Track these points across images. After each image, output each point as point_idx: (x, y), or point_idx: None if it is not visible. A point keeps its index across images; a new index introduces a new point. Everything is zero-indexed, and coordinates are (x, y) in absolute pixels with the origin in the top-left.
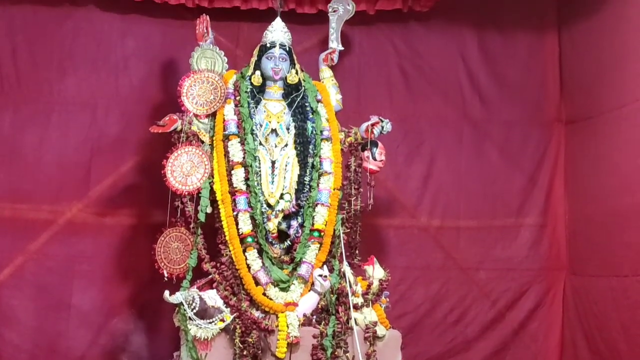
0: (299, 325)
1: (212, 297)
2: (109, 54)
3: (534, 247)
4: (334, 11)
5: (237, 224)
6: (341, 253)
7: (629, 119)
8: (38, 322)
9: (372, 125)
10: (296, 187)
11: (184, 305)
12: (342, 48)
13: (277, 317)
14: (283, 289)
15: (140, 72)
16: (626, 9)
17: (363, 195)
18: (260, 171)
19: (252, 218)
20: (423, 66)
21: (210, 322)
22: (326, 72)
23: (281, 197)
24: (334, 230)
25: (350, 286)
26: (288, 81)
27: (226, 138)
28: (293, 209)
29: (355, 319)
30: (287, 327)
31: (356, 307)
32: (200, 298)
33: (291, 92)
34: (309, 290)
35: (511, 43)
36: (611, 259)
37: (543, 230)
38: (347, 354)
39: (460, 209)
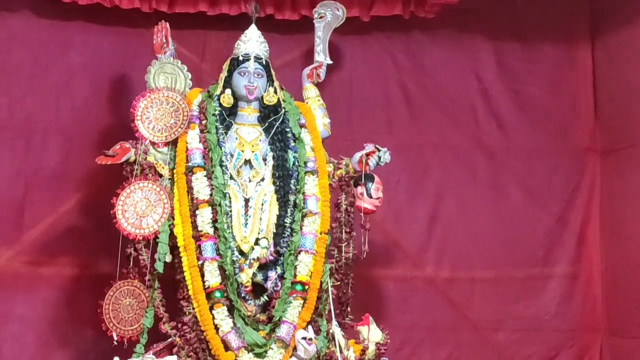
0: None
1: None
2: (48, 70)
3: (564, 302)
4: (321, 17)
5: (202, 275)
6: (329, 311)
7: None
8: None
9: (367, 155)
10: (275, 231)
11: None
12: (331, 62)
13: None
14: (258, 355)
15: (85, 91)
16: None
17: (356, 240)
18: (230, 211)
19: (221, 268)
20: (428, 84)
21: None
22: (311, 91)
23: (256, 242)
24: (321, 282)
25: (341, 351)
26: (265, 102)
27: (190, 171)
28: (271, 257)
29: None
30: None
31: None
32: None
33: (269, 114)
34: (290, 357)
35: (535, 57)
36: None
37: (575, 282)
38: None
39: (474, 257)
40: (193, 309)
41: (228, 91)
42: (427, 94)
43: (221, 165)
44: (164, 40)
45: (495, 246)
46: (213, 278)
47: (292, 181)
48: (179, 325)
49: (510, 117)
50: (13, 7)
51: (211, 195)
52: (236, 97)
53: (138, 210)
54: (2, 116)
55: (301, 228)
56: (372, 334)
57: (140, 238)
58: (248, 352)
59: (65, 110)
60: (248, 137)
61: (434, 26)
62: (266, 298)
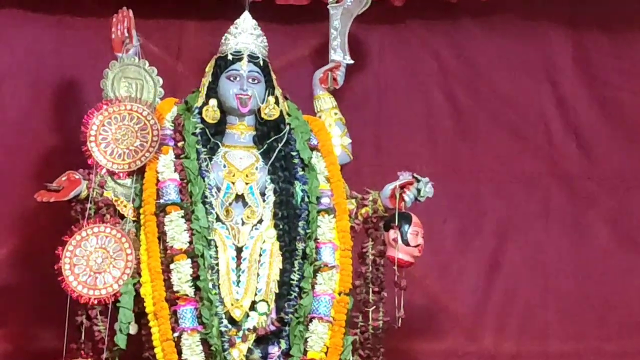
0: None
1: None
2: None
3: None
4: (338, 1)
5: (179, 352)
6: None
7: None
8: None
9: (402, 187)
10: (277, 291)
11: None
12: (352, 61)
13: None
14: None
15: (20, 101)
16: None
17: (388, 303)
18: (217, 265)
19: (205, 342)
20: (483, 90)
21: None
22: (326, 101)
23: (252, 307)
24: None
25: None
26: (263, 116)
27: (162, 210)
28: (272, 327)
29: None
30: None
31: None
32: None
33: (268, 133)
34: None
35: (627, 53)
36: None
37: None
38: None
39: (549, 324)
40: None
41: (213, 102)
42: (482, 104)
43: (204, 203)
44: (126, 34)
45: (578, 308)
46: (194, 356)
47: (301, 223)
48: None
49: (595, 134)
50: None
51: (191, 243)
52: (224, 110)
53: (92, 264)
54: None
55: (313, 287)
56: None
57: (95, 302)
58: None
59: None
60: (240, 164)
61: (490, 11)
62: None
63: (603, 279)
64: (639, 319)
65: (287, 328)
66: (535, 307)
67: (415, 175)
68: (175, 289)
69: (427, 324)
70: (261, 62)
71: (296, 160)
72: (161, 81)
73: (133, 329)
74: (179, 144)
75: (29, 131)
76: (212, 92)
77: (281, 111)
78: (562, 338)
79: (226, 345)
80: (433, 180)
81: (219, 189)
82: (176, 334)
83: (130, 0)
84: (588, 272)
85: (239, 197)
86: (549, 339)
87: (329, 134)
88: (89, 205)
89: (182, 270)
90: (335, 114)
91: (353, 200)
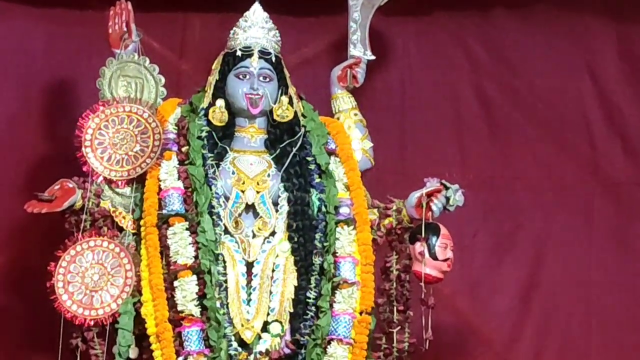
0: None
1: None
2: None
3: None
4: None
5: None
6: None
7: None
8: None
9: (430, 195)
10: (292, 311)
11: None
12: (373, 57)
13: None
14: None
15: (7, 104)
16: None
17: (414, 323)
18: (226, 282)
19: None
20: (518, 88)
21: None
22: (345, 101)
23: (265, 328)
24: None
25: None
26: (275, 117)
27: (164, 222)
28: (287, 350)
29: None
30: None
31: None
32: None
33: (281, 137)
34: None
35: None
36: None
37: None
38: None
39: (592, 349)
40: None
41: (220, 102)
42: (517, 104)
43: (211, 214)
44: (125, 29)
45: (624, 331)
46: None
47: (318, 235)
48: None
49: None
50: None
51: (196, 257)
52: (232, 112)
53: (88, 281)
54: None
55: (331, 306)
56: None
57: (92, 323)
58: None
59: None
60: (251, 170)
61: (526, 1)
62: None
63: None
64: None
65: (303, 351)
66: (576, 330)
67: (443, 182)
68: (179, 308)
69: (456, 347)
70: (273, 59)
71: (312, 166)
72: (163, 80)
73: (133, 353)
74: (183, 149)
75: (18, 135)
76: (220, 91)
77: (295, 112)
78: (606, 358)
79: None
80: (463, 187)
81: (227, 199)
82: (181, 358)
83: None
84: (635, 290)
85: (250, 207)
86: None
87: (349, 137)
88: (84, 217)
89: (187, 288)
90: (355, 115)
91: (375, 210)
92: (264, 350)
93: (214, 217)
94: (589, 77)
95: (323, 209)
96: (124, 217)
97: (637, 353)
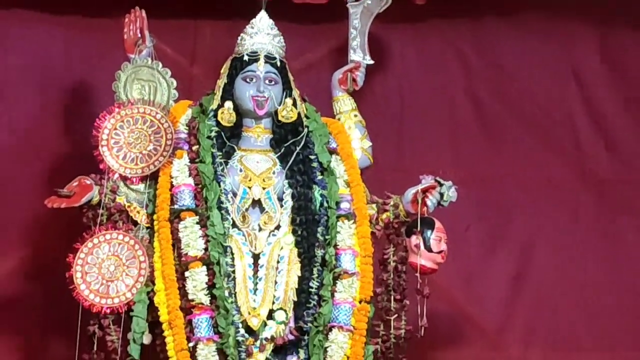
0: None
1: None
2: None
3: None
4: (358, 0)
5: None
6: None
7: None
8: None
9: (425, 191)
10: (296, 299)
11: None
12: (372, 62)
13: None
14: None
15: (28, 106)
16: None
17: (410, 311)
18: (234, 272)
19: (221, 352)
20: (509, 91)
21: None
22: (345, 103)
23: (270, 316)
24: None
25: None
26: (280, 118)
27: (176, 216)
28: (291, 337)
29: None
30: None
31: None
32: None
33: (286, 136)
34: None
35: None
36: None
37: None
38: None
39: (579, 333)
40: None
41: (228, 104)
42: (508, 106)
43: (219, 209)
44: (139, 35)
45: (609, 317)
46: None
47: (320, 229)
48: None
49: (625, 136)
50: None
51: (206, 249)
52: (240, 113)
53: (104, 272)
54: None
55: (333, 295)
56: None
57: (108, 311)
58: None
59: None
60: (257, 168)
61: (516, 9)
62: None
63: (635, 287)
64: None
65: (306, 337)
66: (563, 317)
67: (438, 179)
68: (190, 297)
69: (451, 334)
70: (278, 63)
71: (315, 164)
72: (175, 83)
73: (147, 339)
74: (194, 148)
75: (39, 136)
76: (228, 94)
77: (299, 113)
78: (591, 349)
79: (243, 355)
80: (457, 184)
81: (235, 194)
82: (191, 344)
83: (144, 1)
84: (619, 281)
85: (256, 203)
86: (579, 350)
87: (349, 136)
88: (100, 212)
89: (197, 278)
90: (355, 116)
91: (374, 205)
92: (269, 337)
93: (223, 211)
94: (574, 80)
95: (325, 204)
96: (138, 212)
97: (620, 337)
